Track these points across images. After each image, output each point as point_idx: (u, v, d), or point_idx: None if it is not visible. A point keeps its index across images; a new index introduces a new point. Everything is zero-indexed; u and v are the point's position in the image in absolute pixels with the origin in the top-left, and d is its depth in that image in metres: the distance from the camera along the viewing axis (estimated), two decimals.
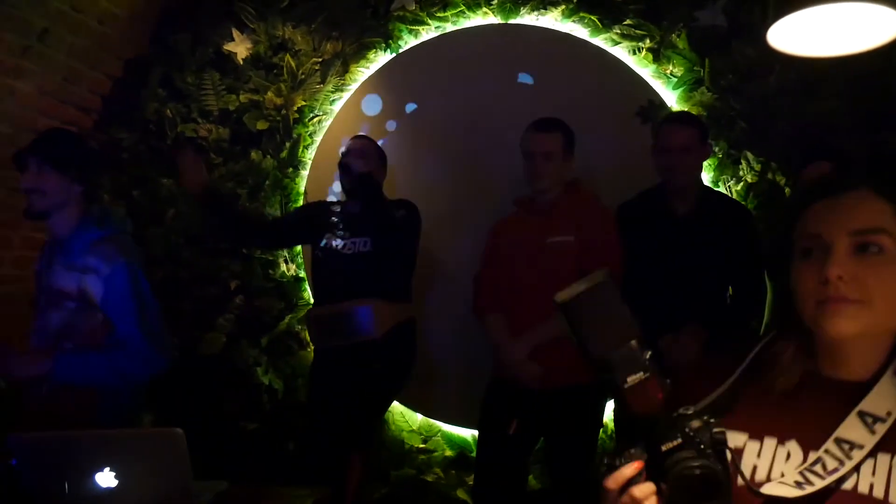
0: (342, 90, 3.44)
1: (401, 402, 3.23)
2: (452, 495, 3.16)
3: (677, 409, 0.92)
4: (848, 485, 0.93)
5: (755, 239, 2.57)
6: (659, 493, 0.90)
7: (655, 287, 2.47)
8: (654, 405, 0.90)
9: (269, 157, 3.45)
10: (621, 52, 3.14)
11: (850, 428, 0.95)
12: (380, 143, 3.07)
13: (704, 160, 2.68)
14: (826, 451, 0.95)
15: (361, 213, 2.79)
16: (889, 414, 0.95)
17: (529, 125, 2.63)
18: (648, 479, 0.91)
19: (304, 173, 3.47)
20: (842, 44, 1.09)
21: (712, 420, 0.91)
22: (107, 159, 3.58)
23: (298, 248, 3.45)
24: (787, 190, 2.91)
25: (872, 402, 0.96)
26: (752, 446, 1.00)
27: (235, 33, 3.48)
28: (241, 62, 3.49)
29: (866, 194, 0.98)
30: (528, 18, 3.24)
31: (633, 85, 3.12)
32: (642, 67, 3.13)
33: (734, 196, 2.94)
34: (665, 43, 3.07)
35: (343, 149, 2.93)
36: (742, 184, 2.98)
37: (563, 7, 3.16)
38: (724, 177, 3.00)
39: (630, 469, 0.92)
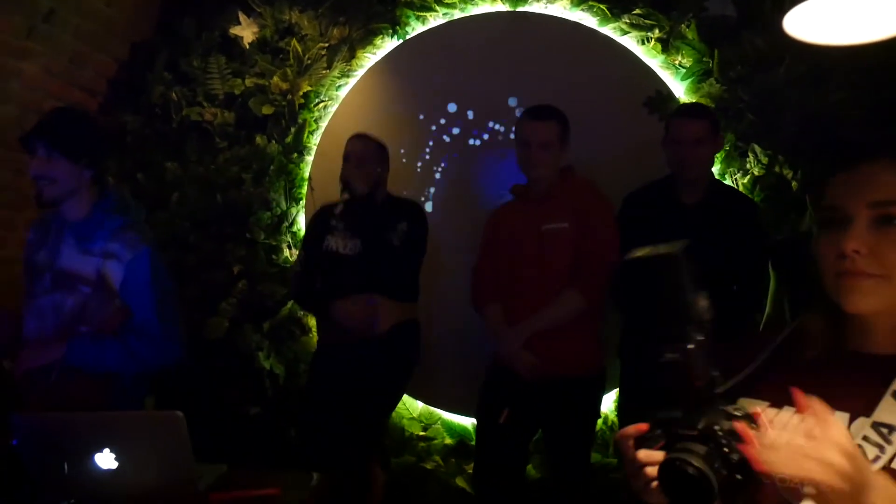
0: (348, 76, 3.42)
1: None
2: (452, 483, 3.17)
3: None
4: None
5: (760, 232, 2.55)
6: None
7: None
8: (689, 389, 0.88)
9: (274, 142, 3.45)
10: (630, 41, 3.12)
11: (888, 411, 0.92)
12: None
13: (717, 152, 2.65)
14: (865, 439, 0.92)
15: (363, 216, 2.75)
16: None
17: (523, 113, 2.62)
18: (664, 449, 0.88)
19: (309, 159, 3.46)
20: (857, 32, 1.08)
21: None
22: (113, 141, 3.58)
23: (302, 233, 3.44)
24: (794, 183, 2.89)
25: None
26: (771, 414, 0.96)
27: (242, 17, 3.47)
28: (248, 46, 3.48)
29: (887, 164, 0.95)
30: (536, 6, 3.21)
31: (641, 75, 3.09)
32: (651, 58, 3.10)
33: (741, 189, 2.92)
34: (674, 33, 3.05)
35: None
36: (749, 177, 2.96)
37: None
38: (731, 169, 2.98)
39: (633, 429, 0.91)
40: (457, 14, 3.30)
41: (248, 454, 3.19)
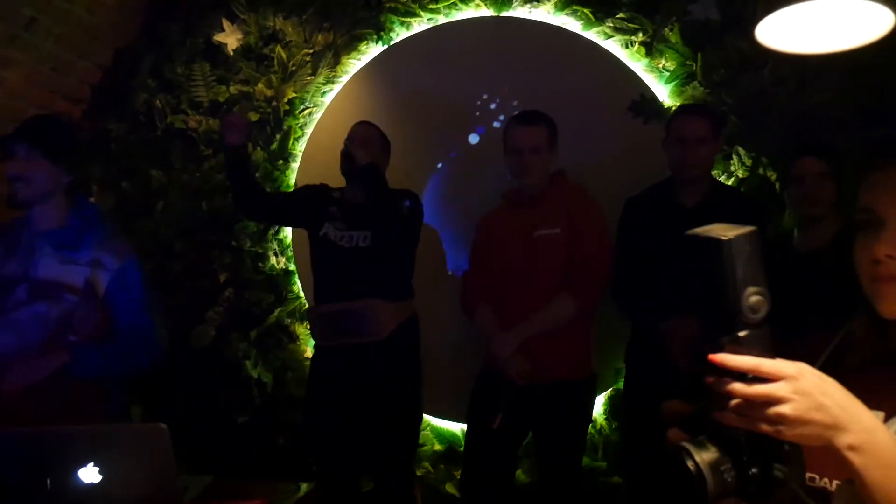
0: (333, 82, 3.41)
1: None
2: (441, 489, 3.16)
3: None
4: None
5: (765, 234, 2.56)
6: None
7: (663, 277, 2.47)
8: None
9: (259, 149, 3.43)
10: (614, 45, 3.13)
11: None
12: None
13: (717, 152, 2.65)
14: None
15: (363, 205, 2.69)
16: None
17: (511, 119, 2.61)
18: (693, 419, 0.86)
19: (295, 166, 3.45)
20: (831, 40, 1.08)
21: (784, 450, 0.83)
22: (96, 149, 3.56)
23: (288, 240, 3.43)
24: (777, 185, 2.90)
25: None
26: None
27: (226, 24, 3.46)
28: (232, 53, 3.47)
29: None
30: (520, 11, 3.22)
31: (625, 79, 3.10)
32: (634, 61, 3.11)
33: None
34: (658, 37, 3.05)
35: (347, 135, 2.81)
36: (733, 179, 2.97)
37: (556, 0, 3.15)
38: (716, 171, 2.99)
39: (677, 405, 0.90)
40: (441, 19, 3.30)
41: (235, 463, 3.19)
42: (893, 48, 1.47)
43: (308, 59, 3.39)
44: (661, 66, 3.08)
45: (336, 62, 3.39)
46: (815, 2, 0.91)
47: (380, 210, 2.63)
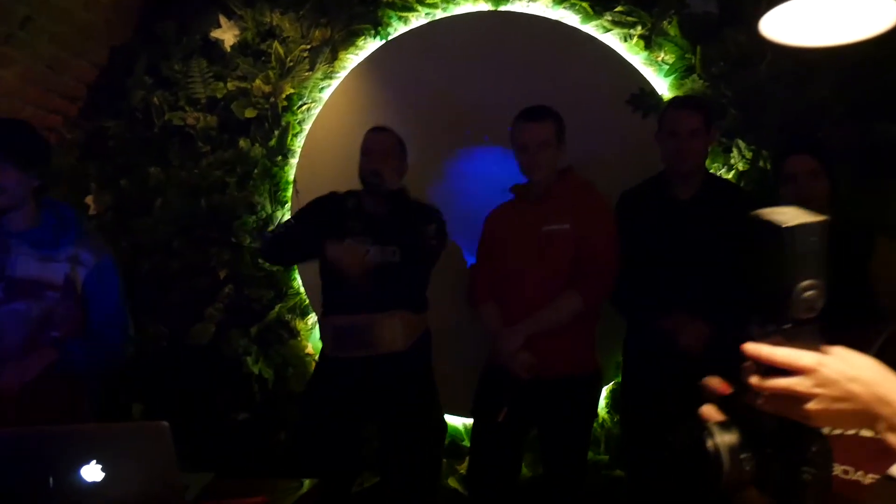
0: (331, 77, 3.40)
1: None
2: (444, 484, 3.16)
3: None
4: None
5: None
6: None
7: (658, 271, 2.46)
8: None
9: (257, 145, 3.42)
10: (613, 39, 3.12)
11: None
12: None
13: (710, 144, 2.65)
14: None
15: (388, 218, 2.58)
16: None
17: (518, 115, 2.60)
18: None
19: (294, 161, 3.44)
20: (836, 33, 1.07)
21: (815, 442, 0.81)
22: (93, 148, 3.56)
23: None
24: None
25: None
26: None
27: (222, 20, 3.44)
28: (229, 49, 3.45)
29: None
30: (518, 5, 3.21)
31: (623, 72, 3.09)
32: (633, 55, 3.11)
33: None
34: (656, 30, 3.05)
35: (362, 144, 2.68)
36: (733, 172, 2.97)
37: None
38: (716, 165, 2.99)
39: (718, 382, 0.88)
40: (439, 14, 3.29)
41: (236, 460, 3.18)
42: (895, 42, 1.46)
43: (305, 54, 3.38)
44: (660, 59, 3.08)
45: (334, 58, 3.37)
46: None
47: (405, 225, 2.55)
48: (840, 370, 0.79)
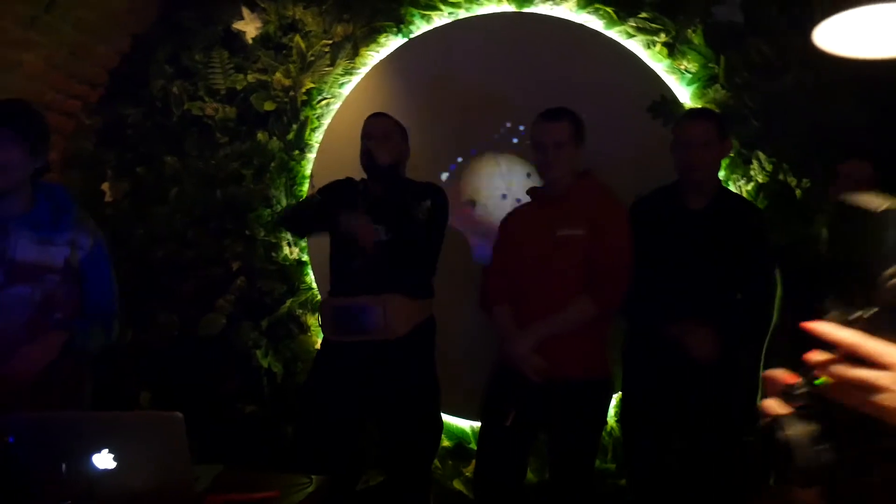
0: (352, 73, 3.40)
1: None
2: (449, 486, 3.16)
3: None
4: None
5: (767, 241, 2.53)
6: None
7: (667, 280, 2.45)
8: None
9: (275, 138, 3.42)
10: (636, 45, 3.11)
11: None
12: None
13: (724, 156, 2.65)
14: None
15: (382, 198, 2.64)
16: None
17: (538, 115, 2.60)
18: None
19: (311, 156, 3.44)
20: (884, 45, 1.05)
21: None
22: (112, 135, 3.57)
23: None
24: (798, 191, 2.88)
25: None
26: None
27: (245, 12, 3.44)
28: (251, 41, 3.46)
29: None
30: (542, 8, 3.20)
31: (646, 79, 3.08)
32: (656, 62, 3.09)
33: (745, 196, 2.91)
34: (680, 38, 3.03)
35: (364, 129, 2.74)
36: (753, 184, 2.95)
37: None
38: (735, 176, 2.97)
39: (781, 374, 0.84)
40: (462, 13, 3.28)
41: (244, 453, 3.18)
42: None
43: (327, 49, 3.38)
44: (682, 67, 3.06)
45: (355, 53, 3.37)
46: (878, 5, 0.89)
47: (398, 204, 2.60)
48: None
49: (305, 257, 3.44)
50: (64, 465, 1.57)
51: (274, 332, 3.40)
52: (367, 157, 2.65)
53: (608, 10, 3.09)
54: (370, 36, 3.36)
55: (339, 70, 3.38)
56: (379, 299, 2.56)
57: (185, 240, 3.49)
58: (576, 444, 2.52)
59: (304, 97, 3.41)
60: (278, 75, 3.40)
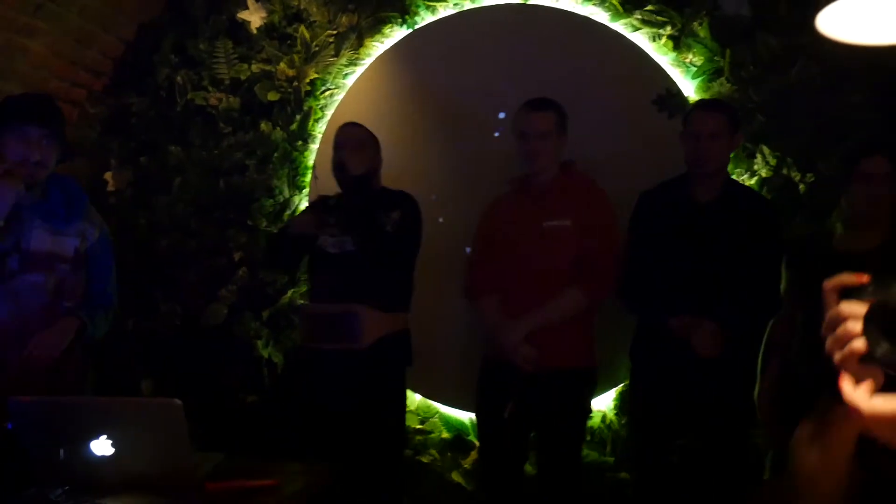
0: (356, 64, 3.39)
1: None
2: (448, 477, 3.16)
3: None
4: None
5: (776, 233, 2.51)
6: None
7: (674, 273, 2.45)
8: None
9: (278, 128, 3.42)
10: (641, 38, 3.09)
11: None
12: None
13: (733, 149, 2.61)
14: None
15: (352, 208, 2.61)
16: None
17: (522, 105, 2.61)
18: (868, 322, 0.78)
19: (314, 147, 3.43)
20: (889, 32, 1.03)
21: None
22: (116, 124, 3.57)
23: None
24: (802, 186, 2.87)
25: None
26: None
27: (250, 2, 3.43)
28: (255, 31, 3.45)
29: None
30: (547, 0, 3.18)
31: (651, 72, 3.06)
32: (661, 55, 3.07)
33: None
34: (686, 31, 3.01)
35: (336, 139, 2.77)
36: (756, 178, 2.93)
37: None
38: (739, 170, 2.96)
39: (838, 280, 0.82)
40: (467, 5, 3.27)
41: (244, 441, 3.19)
42: None
43: (331, 39, 3.37)
44: (688, 60, 3.04)
45: (359, 44, 3.36)
46: None
47: (365, 214, 2.58)
48: None
49: None
50: (62, 451, 1.58)
51: (275, 323, 3.40)
52: (338, 167, 2.66)
53: (614, 2, 3.08)
54: (375, 27, 3.34)
55: (344, 60, 3.37)
56: (345, 307, 2.56)
57: (188, 230, 3.49)
58: (564, 432, 2.54)
59: (308, 87, 3.40)
60: (282, 65, 3.39)
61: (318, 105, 3.42)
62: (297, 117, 3.41)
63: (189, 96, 3.50)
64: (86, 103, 3.55)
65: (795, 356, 2.34)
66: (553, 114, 2.55)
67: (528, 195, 2.60)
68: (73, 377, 2.26)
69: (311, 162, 3.43)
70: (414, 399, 3.28)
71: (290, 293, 3.40)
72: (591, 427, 3.07)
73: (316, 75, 3.39)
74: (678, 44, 3.04)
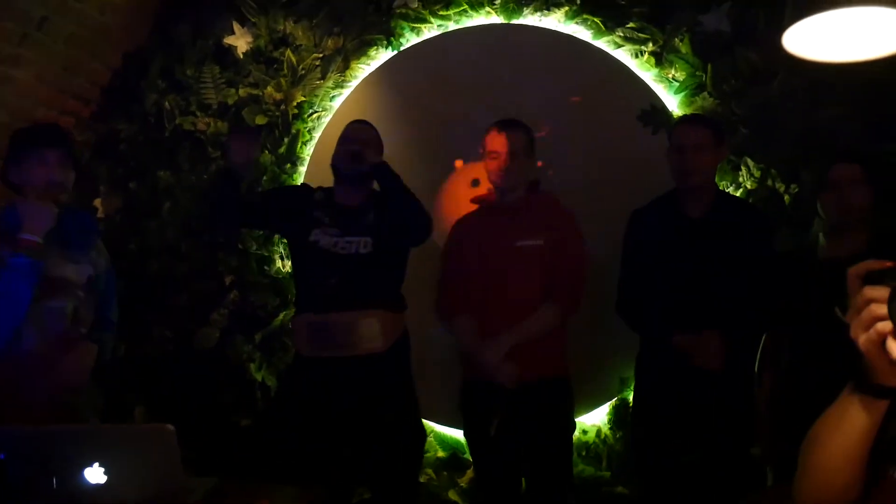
0: (342, 87, 3.42)
1: None
2: (444, 496, 3.15)
3: None
4: None
5: (770, 245, 2.52)
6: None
7: (668, 289, 2.46)
8: None
9: (267, 152, 3.43)
10: (624, 55, 3.13)
11: None
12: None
13: (719, 161, 2.62)
14: None
15: (361, 208, 2.59)
16: None
17: (492, 125, 2.62)
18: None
19: (302, 169, 3.45)
20: (857, 49, 1.06)
21: None
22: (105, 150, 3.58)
23: None
24: (786, 197, 2.90)
25: None
26: None
27: (236, 26, 3.46)
28: (242, 56, 3.47)
29: None
30: (531, 19, 3.22)
31: (634, 88, 3.10)
32: (644, 71, 3.12)
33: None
34: (668, 47, 3.06)
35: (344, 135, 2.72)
36: (741, 190, 2.97)
37: (567, 8, 3.15)
38: (724, 183, 2.99)
39: (863, 266, 0.82)
40: (451, 26, 3.31)
41: (238, 466, 3.17)
42: None
43: (317, 63, 3.40)
44: (670, 76, 3.09)
45: (345, 67, 3.39)
46: (845, 9, 0.90)
47: (383, 215, 2.57)
48: None
49: None
50: (55, 480, 1.57)
51: (267, 346, 3.40)
52: (352, 158, 2.57)
53: (596, 20, 3.12)
54: (360, 49, 3.38)
55: (330, 83, 3.40)
56: (362, 315, 2.51)
57: (178, 253, 3.49)
58: (550, 442, 2.54)
59: (296, 111, 3.42)
60: (269, 89, 3.41)
61: (305, 128, 3.44)
62: (285, 140, 3.43)
63: (177, 121, 3.51)
64: (74, 130, 3.55)
65: (784, 372, 2.36)
66: (523, 134, 2.57)
67: (498, 214, 2.61)
68: (87, 400, 2.32)
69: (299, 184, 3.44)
70: None
71: (281, 315, 3.39)
72: (587, 442, 3.08)
73: (303, 98, 3.41)
74: (660, 60, 3.08)
